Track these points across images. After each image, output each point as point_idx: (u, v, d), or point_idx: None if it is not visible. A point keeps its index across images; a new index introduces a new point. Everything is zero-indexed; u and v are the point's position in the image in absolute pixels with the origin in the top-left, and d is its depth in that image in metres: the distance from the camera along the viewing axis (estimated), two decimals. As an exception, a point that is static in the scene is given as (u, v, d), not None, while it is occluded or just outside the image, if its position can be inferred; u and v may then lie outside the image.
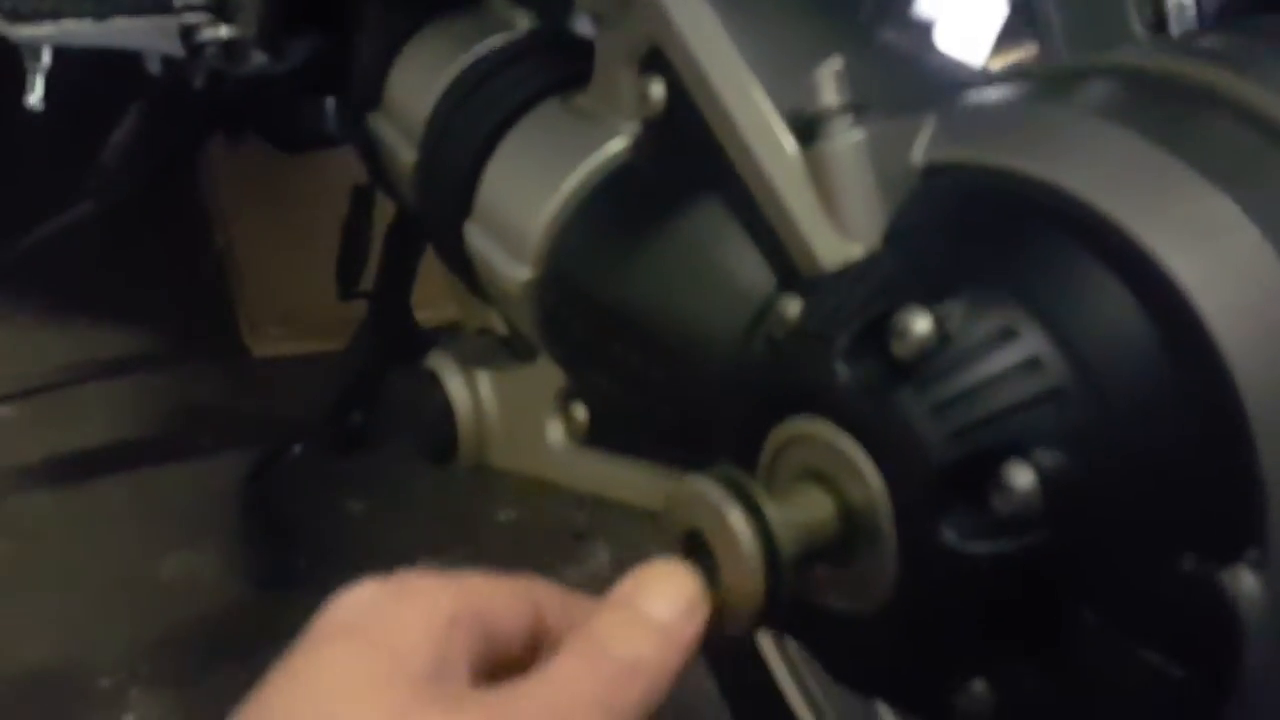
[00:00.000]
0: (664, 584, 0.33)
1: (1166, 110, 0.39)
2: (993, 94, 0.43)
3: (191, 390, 1.26)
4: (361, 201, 0.93)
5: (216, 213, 1.41)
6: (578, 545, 1.06)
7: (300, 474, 1.09)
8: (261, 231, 1.37)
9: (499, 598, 0.34)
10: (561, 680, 0.31)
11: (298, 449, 1.10)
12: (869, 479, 0.36)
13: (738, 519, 0.33)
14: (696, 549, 0.33)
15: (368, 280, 0.98)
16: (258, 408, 1.24)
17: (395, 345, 1.00)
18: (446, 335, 0.75)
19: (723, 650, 0.68)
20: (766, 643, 0.67)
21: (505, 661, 0.33)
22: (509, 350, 0.62)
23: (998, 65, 0.70)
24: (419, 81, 0.59)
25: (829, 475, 0.38)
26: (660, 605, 0.33)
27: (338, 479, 1.14)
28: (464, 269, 0.57)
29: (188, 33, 0.81)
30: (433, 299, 0.91)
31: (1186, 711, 0.34)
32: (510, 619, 0.34)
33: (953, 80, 0.46)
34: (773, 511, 0.34)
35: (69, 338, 1.27)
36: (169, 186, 1.35)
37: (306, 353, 1.29)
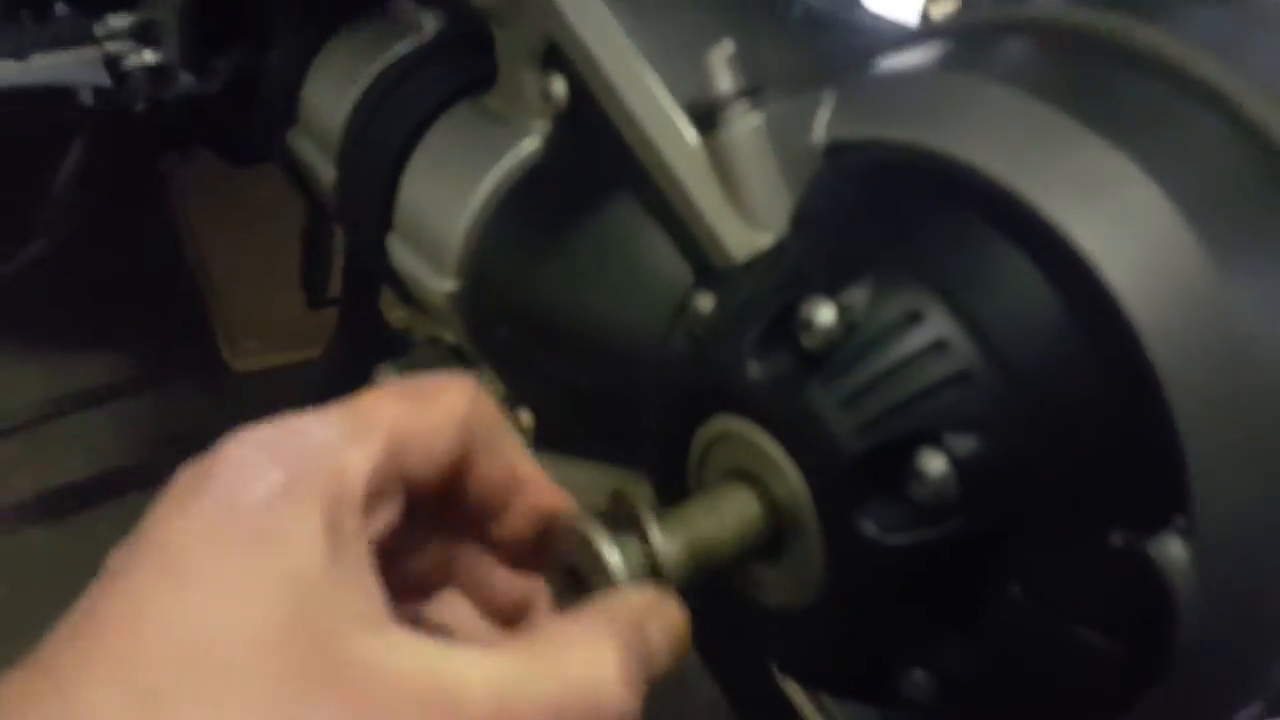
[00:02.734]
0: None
1: (1073, 69, 0.38)
2: (895, 63, 0.41)
3: (174, 412, 1.25)
4: (319, 210, 0.92)
5: (185, 231, 1.41)
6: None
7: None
8: (232, 245, 1.37)
9: (420, 437, 0.28)
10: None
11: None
12: (789, 475, 0.35)
13: (610, 553, 0.31)
14: (578, 584, 0.31)
15: (337, 287, 0.97)
16: (242, 423, 1.23)
17: (368, 349, 1.00)
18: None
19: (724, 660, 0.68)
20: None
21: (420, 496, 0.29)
22: (457, 360, 0.61)
23: (938, 12, 0.68)
24: (330, 94, 0.58)
25: (754, 473, 0.37)
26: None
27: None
28: (394, 281, 0.56)
29: (112, 62, 0.79)
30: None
31: (1122, 683, 0.33)
32: (431, 459, 0.29)
33: (866, 46, 0.45)
34: (657, 539, 0.32)
35: (45, 371, 1.27)
36: (134, 209, 1.34)
37: (287, 363, 1.28)
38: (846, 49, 0.46)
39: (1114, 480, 0.33)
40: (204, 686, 0.24)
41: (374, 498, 0.28)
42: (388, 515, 0.28)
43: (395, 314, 0.99)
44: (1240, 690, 0.34)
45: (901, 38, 0.47)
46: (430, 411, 0.29)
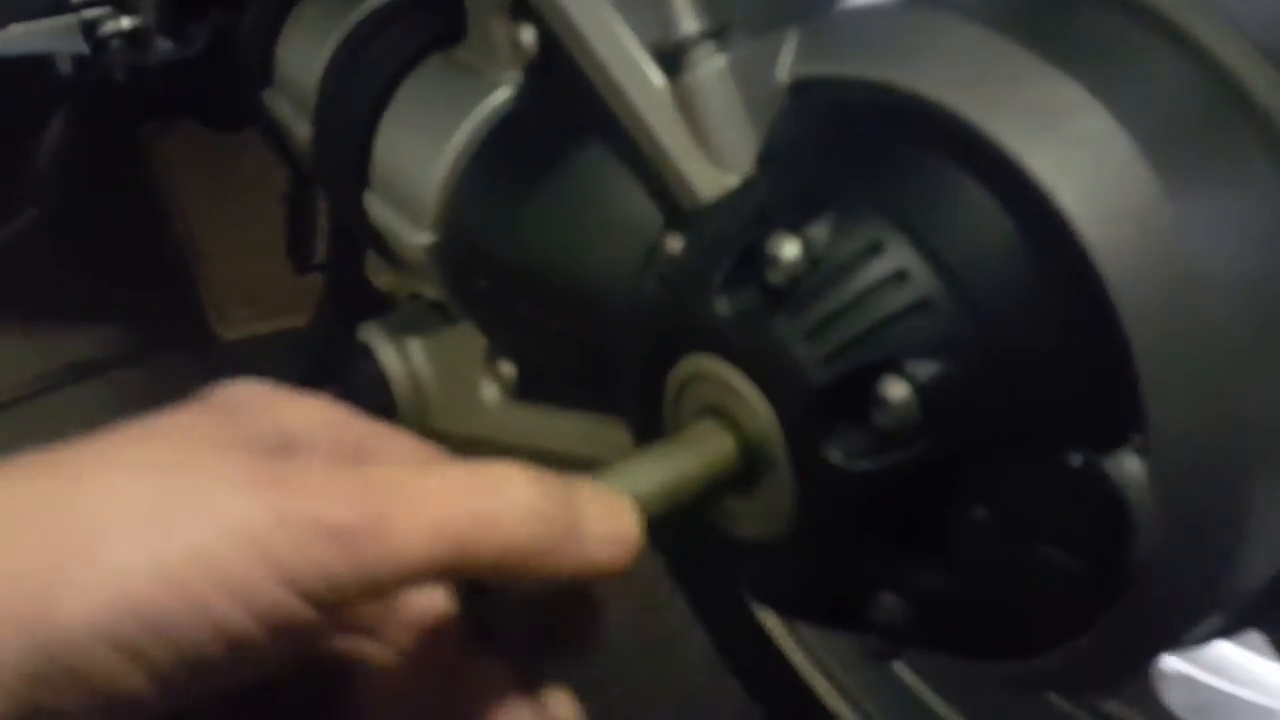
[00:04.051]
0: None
1: (1037, 4, 0.38)
2: (857, 1, 0.42)
3: (165, 384, 1.26)
4: (302, 176, 0.92)
5: (169, 201, 1.40)
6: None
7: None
8: (218, 214, 1.36)
9: None
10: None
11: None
12: (759, 409, 0.36)
13: None
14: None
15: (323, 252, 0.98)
16: (234, 392, 1.24)
17: (355, 314, 1.00)
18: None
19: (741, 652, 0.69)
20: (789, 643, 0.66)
21: None
22: (440, 315, 0.62)
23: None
24: (304, 53, 0.58)
25: (726, 410, 0.38)
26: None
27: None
28: (373, 239, 0.56)
29: (89, 28, 0.79)
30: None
31: (1085, 600, 0.34)
32: None
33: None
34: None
35: (35, 346, 1.27)
36: (118, 180, 1.34)
37: (277, 330, 1.29)
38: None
39: (1071, 401, 0.34)
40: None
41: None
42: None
43: (382, 278, 0.99)
44: (1199, 604, 0.36)
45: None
46: None
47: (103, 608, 0.24)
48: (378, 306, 0.98)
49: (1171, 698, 0.52)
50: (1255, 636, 0.46)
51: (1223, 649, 0.61)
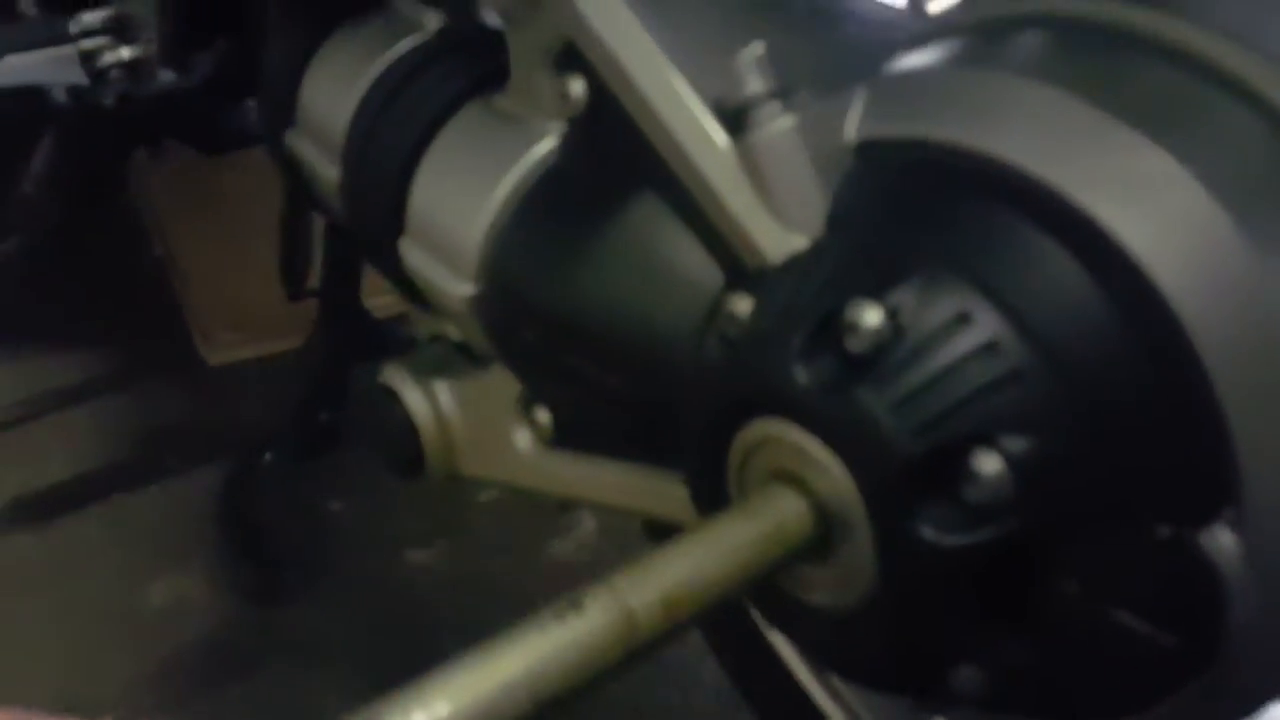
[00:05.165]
0: None
1: (1095, 61, 0.38)
2: (920, 59, 0.42)
3: (151, 410, 1.23)
4: (297, 198, 0.91)
5: (153, 224, 1.38)
6: (563, 518, 1.06)
7: (275, 481, 1.08)
8: (201, 237, 1.34)
9: None
10: None
11: (269, 457, 1.09)
12: (838, 478, 0.36)
13: None
14: None
15: (315, 278, 0.96)
16: (221, 418, 1.22)
17: (351, 341, 0.99)
18: (400, 327, 0.74)
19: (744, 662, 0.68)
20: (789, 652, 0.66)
21: None
22: (465, 356, 0.61)
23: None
24: (332, 94, 0.57)
25: (799, 475, 0.37)
26: None
27: (314, 481, 1.13)
28: (405, 284, 0.55)
29: (88, 59, 0.78)
30: (385, 286, 0.90)
31: (1175, 674, 0.34)
32: None
33: (884, 42, 0.45)
34: None
35: (17, 372, 1.24)
36: (101, 205, 1.32)
37: (263, 355, 1.27)
38: (865, 44, 0.46)
39: (1165, 474, 0.33)
40: None
41: None
42: None
43: (377, 301, 0.98)
44: (1284, 672, 0.35)
45: (920, 31, 0.47)
46: None
47: None
48: (373, 333, 0.97)
49: None
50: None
51: None
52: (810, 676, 0.66)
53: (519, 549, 1.10)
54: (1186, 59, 0.37)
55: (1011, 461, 0.33)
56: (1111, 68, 0.38)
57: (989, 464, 0.33)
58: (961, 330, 0.34)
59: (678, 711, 0.90)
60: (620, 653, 0.33)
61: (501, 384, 0.56)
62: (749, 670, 0.70)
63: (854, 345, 0.35)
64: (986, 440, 0.33)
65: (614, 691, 0.96)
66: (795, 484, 0.37)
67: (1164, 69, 0.38)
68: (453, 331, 0.63)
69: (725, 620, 0.67)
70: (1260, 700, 0.36)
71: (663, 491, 0.48)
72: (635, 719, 0.90)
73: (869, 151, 0.39)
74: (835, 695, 0.65)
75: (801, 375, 0.36)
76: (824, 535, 0.37)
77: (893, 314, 0.34)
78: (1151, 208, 0.33)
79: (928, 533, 0.34)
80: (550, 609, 0.34)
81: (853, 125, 0.39)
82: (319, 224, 0.92)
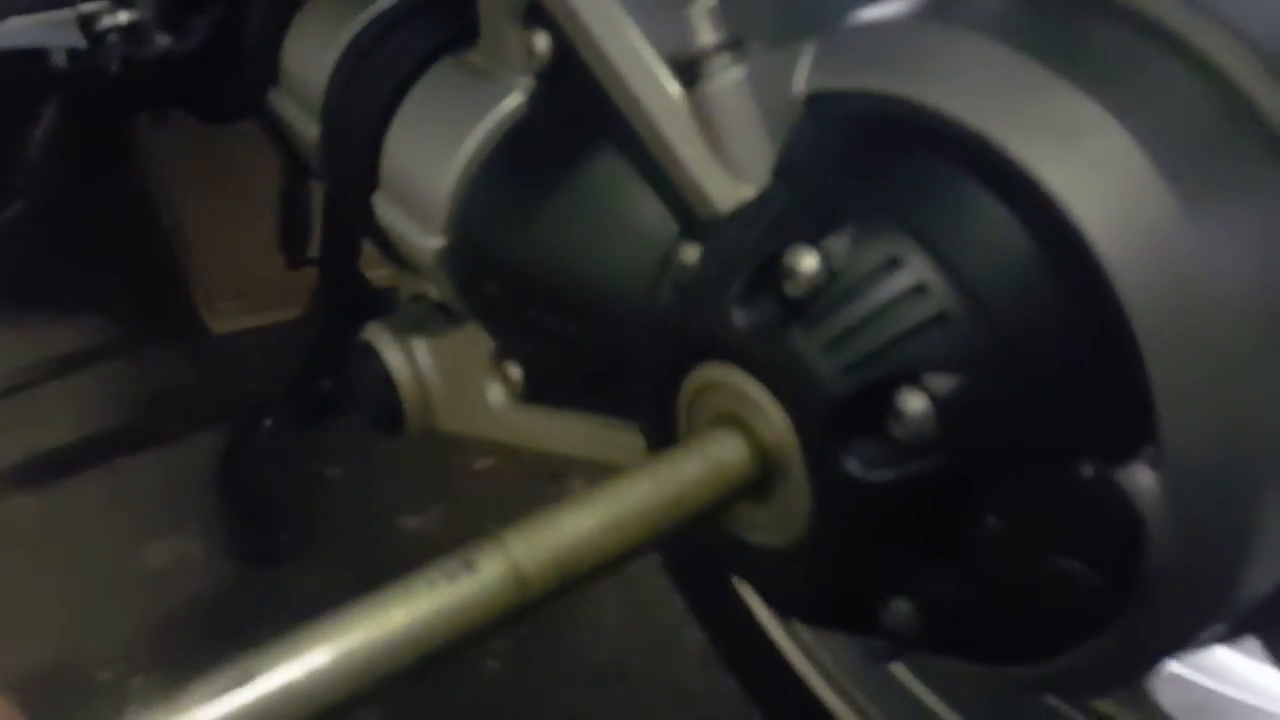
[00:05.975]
0: None
1: (1044, 17, 0.39)
2: (873, 13, 0.42)
3: (155, 376, 1.26)
4: (296, 169, 0.92)
5: (160, 192, 1.40)
6: (555, 484, 1.07)
7: (273, 447, 1.09)
8: (208, 206, 1.36)
9: None
10: None
11: (268, 423, 1.10)
12: (775, 419, 0.37)
13: None
14: None
15: (315, 246, 0.97)
16: (224, 385, 1.24)
17: (350, 309, 1.00)
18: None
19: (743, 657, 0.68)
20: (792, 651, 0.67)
21: None
22: (444, 315, 0.62)
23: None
24: (311, 53, 0.58)
25: (741, 418, 0.38)
26: None
27: (311, 447, 1.14)
28: (380, 240, 0.57)
29: (86, 22, 0.79)
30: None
31: (1097, 615, 0.35)
32: None
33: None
34: None
35: (24, 337, 1.27)
36: (108, 173, 1.33)
37: (267, 324, 1.29)
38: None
39: (1086, 413, 0.34)
40: None
41: None
42: None
43: (376, 272, 0.99)
44: (1206, 612, 0.36)
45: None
46: None
47: None
48: (372, 301, 0.98)
49: (1164, 698, 0.53)
50: (1249, 640, 0.47)
51: (1215, 650, 0.62)
52: (819, 678, 0.66)
53: (512, 514, 1.12)
54: (1132, 17, 0.38)
55: (936, 400, 0.34)
56: (1056, 23, 0.39)
57: (914, 402, 0.34)
58: (891, 274, 0.35)
59: (661, 677, 0.92)
60: (511, 611, 0.34)
61: (476, 341, 0.57)
62: (758, 675, 0.70)
63: (791, 290, 0.36)
64: (913, 379, 0.34)
65: (598, 655, 0.98)
66: (737, 426, 0.38)
67: (1108, 26, 0.38)
68: (433, 291, 0.65)
69: (731, 624, 0.68)
70: (1179, 641, 0.37)
71: (629, 443, 0.49)
72: (620, 684, 0.91)
73: (816, 103, 0.40)
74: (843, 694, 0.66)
75: (741, 318, 0.37)
76: (764, 475, 0.38)
77: (827, 259, 0.35)
78: (1076, 153, 0.34)
79: (855, 467, 0.35)
80: (442, 565, 0.34)
81: (802, 77, 0.40)
82: (319, 193, 0.93)
